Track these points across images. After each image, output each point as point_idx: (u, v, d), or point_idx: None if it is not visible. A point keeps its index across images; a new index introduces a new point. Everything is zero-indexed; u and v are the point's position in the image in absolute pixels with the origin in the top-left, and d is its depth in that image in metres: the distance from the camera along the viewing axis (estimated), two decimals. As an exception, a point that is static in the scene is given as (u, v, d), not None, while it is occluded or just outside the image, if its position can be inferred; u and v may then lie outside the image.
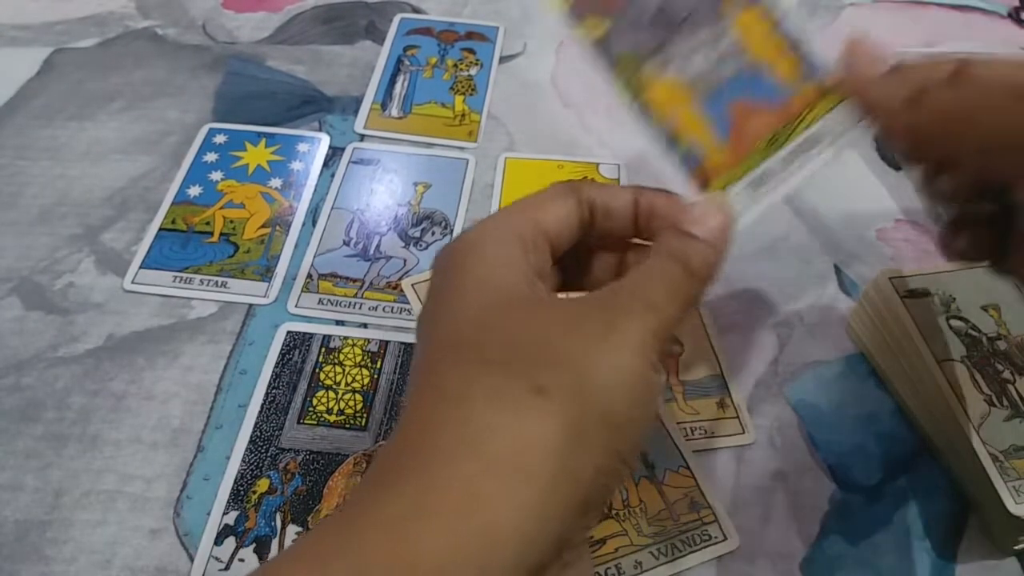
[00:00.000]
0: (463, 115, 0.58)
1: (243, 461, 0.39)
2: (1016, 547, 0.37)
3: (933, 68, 0.26)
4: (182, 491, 0.38)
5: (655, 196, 0.28)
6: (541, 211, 0.26)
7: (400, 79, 0.60)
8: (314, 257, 0.48)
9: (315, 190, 0.52)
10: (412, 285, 0.46)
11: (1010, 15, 0.69)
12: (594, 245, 0.29)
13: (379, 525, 0.20)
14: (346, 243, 0.49)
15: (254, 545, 0.37)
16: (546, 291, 0.26)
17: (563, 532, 0.21)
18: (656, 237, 0.27)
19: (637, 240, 0.29)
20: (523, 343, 0.23)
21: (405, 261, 0.48)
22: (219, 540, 0.37)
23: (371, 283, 0.47)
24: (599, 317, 0.23)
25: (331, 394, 0.42)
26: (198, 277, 0.47)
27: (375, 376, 0.43)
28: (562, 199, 0.27)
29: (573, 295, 0.25)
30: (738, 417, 0.42)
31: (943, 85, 0.26)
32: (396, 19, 0.65)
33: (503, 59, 0.63)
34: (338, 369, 0.43)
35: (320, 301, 0.46)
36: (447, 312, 0.24)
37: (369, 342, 0.44)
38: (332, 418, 0.41)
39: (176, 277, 0.47)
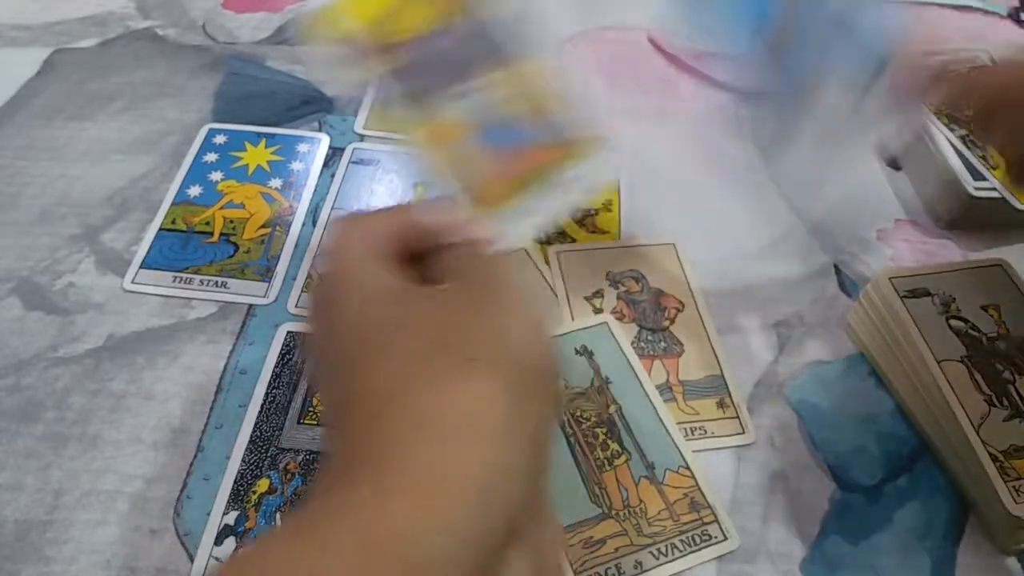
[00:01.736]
0: (463, 115, 0.58)
1: (243, 461, 0.39)
2: (1016, 547, 0.38)
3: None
4: (182, 491, 0.38)
5: (431, 212, 0.31)
6: (376, 232, 0.29)
7: (400, 79, 0.60)
8: (314, 257, 0.48)
9: (315, 190, 0.52)
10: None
11: (1010, 15, 0.69)
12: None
13: (348, 508, 0.20)
14: (346, 243, 0.49)
15: (254, 545, 0.37)
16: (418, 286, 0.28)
17: (524, 477, 0.22)
18: (447, 248, 0.30)
19: None
20: (433, 329, 0.24)
21: (405, 261, 0.48)
22: (219, 540, 0.37)
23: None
24: (484, 295, 0.26)
25: (331, 394, 0.42)
26: (198, 277, 0.47)
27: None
28: (382, 222, 0.29)
29: (446, 286, 0.27)
30: (738, 417, 0.42)
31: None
32: (396, 19, 0.65)
33: (503, 59, 0.63)
34: (338, 369, 0.43)
35: (320, 301, 0.46)
36: (343, 328, 0.25)
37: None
38: (332, 418, 0.41)
39: (176, 277, 0.47)
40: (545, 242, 0.49)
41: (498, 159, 0.34)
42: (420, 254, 0.30)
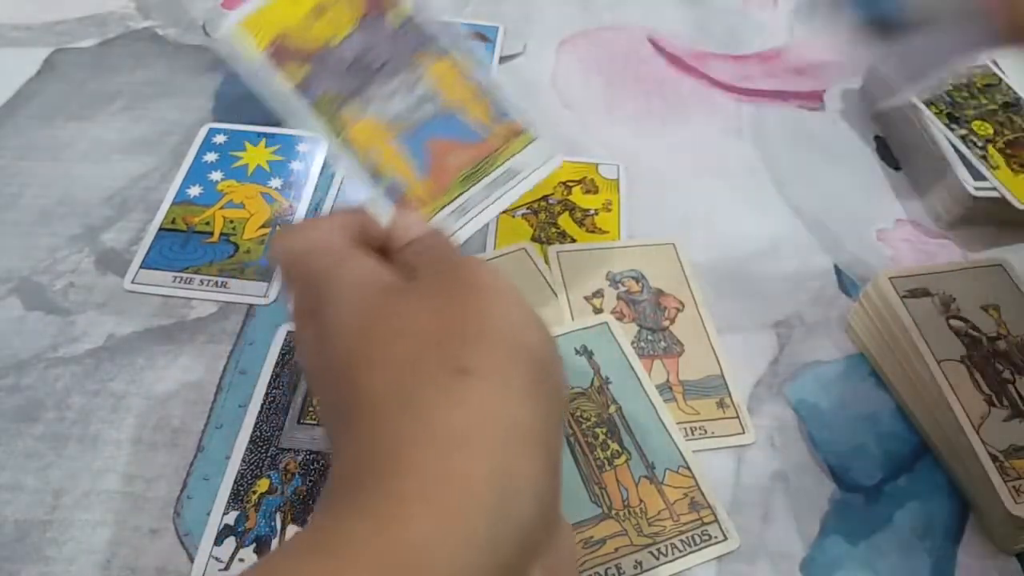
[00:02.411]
0: (463, 115, 0.58)
1: (243, 461, 0.39)
2: (1016, 547, 0.38)
3: None
4: (182, 491, 0.38)
5: (359, 219, 0.30)
6: (336, 234, 0.28)
7: (400, 79, 0.60)
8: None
9: (315, 190, 0.52)
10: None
11: (1010, 15, 0.69)
12: None
13: (357, 524, 0.20)
14: (346, 243, 0.49)
15: (254, 545, 0.37)
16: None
17: (536, 486, 0.22)
18: (392, 255, 0.29)
19: None
20: (427, 327, 0.24)
21: (405, 261, 0.48)
22: (219, 540, 0.37)
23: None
24: (462, 288, 0.25)
25: (331, 394, 0.42)
26: (198, 277, 0.47)
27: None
28: (332, 227, 0.29)
29: (420, 280, 0.26)
30: (738, 417, 0.42)
31: None
32: (396, 19, 0.65)
33: (503, 59, 0.63)
34: (338, 369, 0.43)
35: (320, 301, 0.46)
36: (335, 332, 0.25)
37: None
38: (332, 418, 0.41)
39: (176, 277, 0.47)
40: (545, 242, 0.49)
41: (434, 155, 0.33)
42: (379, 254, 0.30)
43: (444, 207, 0.33)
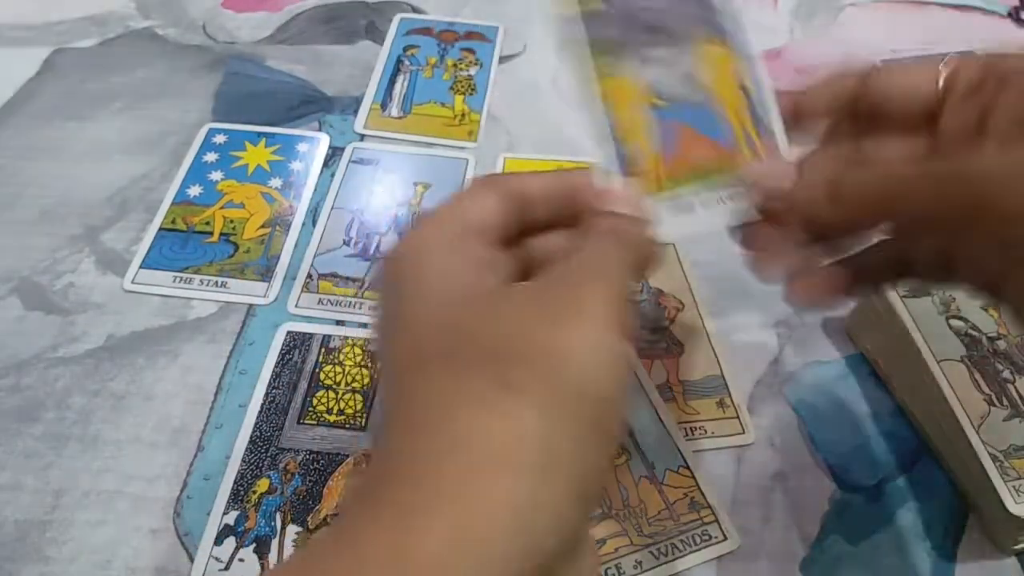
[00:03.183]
0: (463, 115, 0.58)
1: (243, 461, 0.39)
2: (1016, 547, 0.37)
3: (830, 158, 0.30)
4: (182, 491, 0.39)
5: (574, 178, 0.29)
6: (464, 211, 0.27)
7: (400, 79, 0.60)
8: (314, 257, 0.48)
9: (315, 190, 0.52)
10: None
11: (1010, 15, 0.69)
12: (536, 231, 0.29)
13: (375, 526, 0.20)
14: (346, 243, 0.49)
15: (254, 545, 0.37)
16: (499, 282, 0.26)
17: (561, 518, 0.21)
18: (584, 218, 0.28)
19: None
20: (486, 339, 0.23)
21: (405, 261, 0.48)
22: (219, 540, 0.37)
23: (371, 283, 0.47)
24: (563, 297, 0.24)
25: (331, 394, 0.42)
26: (198, 277, 0.47)
27: (375, 376, 0.43)
28: (481, 195, 0.27)
29: (528, 282, 0.25)
30: (738, 417, 0.42)
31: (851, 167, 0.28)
32: (396, 19, 0.65)
33: (503, 59, 0.63)
34: (338, 369, 0.43)
35: (320, 301, 0.46)
36: (405, 325, 0.25)
37: (369, 342, 0.44)
38: (332, 418, 0.41)
39: (176, 277, 0.47)
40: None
41: (681, 141, 0.30)
42: (552, 223, 0.29)
43: (667, 195, 0.30)
